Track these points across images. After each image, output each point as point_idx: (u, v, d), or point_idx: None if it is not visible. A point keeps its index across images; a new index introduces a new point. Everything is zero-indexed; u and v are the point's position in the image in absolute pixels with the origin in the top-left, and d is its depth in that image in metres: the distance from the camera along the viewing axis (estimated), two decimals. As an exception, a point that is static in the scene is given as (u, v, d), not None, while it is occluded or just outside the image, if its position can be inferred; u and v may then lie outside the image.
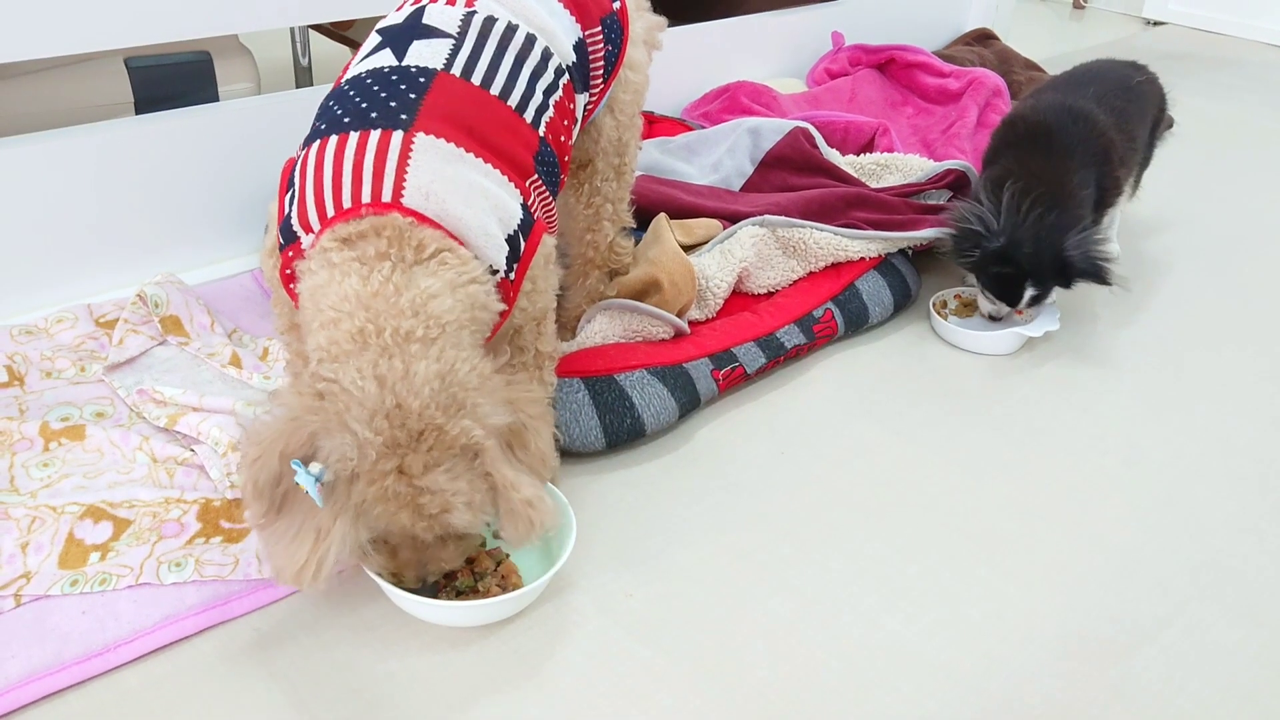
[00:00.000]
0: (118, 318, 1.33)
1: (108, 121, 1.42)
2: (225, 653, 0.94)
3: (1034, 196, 1.39)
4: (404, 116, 0.95)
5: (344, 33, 2.33)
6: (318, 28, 2.35)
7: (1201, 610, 1.05)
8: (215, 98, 1.68)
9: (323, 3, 1.53)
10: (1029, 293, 1.43)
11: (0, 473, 1.09)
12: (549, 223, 1.07)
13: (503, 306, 0.96)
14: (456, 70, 1.00)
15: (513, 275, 0.99)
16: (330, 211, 0.92)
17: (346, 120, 0.95)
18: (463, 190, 0.94)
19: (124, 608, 0.95)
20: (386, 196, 0.91)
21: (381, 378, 0.83)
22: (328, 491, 0.83)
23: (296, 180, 0.96)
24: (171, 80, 1.64)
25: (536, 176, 1.04)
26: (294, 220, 0.95)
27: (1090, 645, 1.00)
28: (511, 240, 0.98)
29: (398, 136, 0.93)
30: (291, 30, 2.17)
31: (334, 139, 0.94)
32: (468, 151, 0.96)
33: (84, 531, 1.02)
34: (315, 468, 0.82)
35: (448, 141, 0.95)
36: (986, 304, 1.49)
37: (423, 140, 0.94)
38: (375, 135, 0.93)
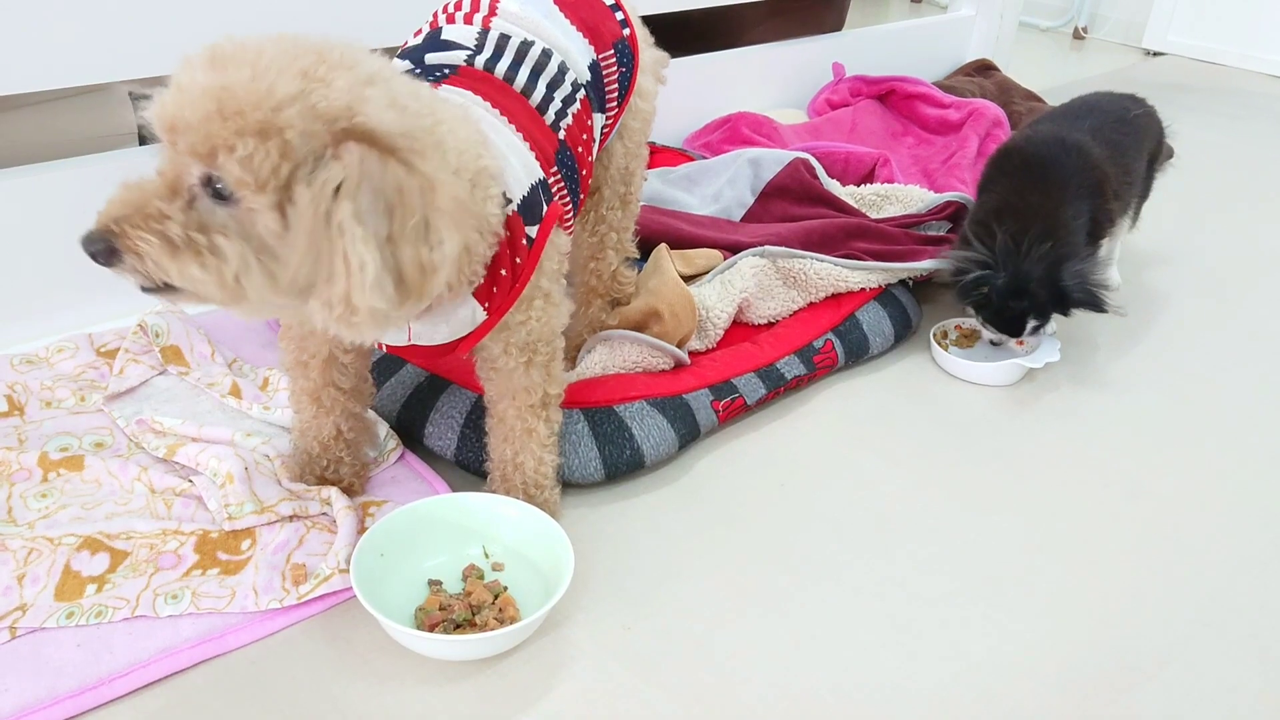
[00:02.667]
0: (118, 347, 1.33)
1: (112, 152, 1.43)
2: (220, 686, 0.93)
3: (1029, 230, 1.39)
4: (429, 81, 0.98)
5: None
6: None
7: (1204, 646, 1.05)
8: (219, 128, 1.69)
9: (327, 36, 1.54)
10: (1031, 324, 1.43)
11: (-2, 503, 1.09)
12: (565, 222, 1.07)
13: (499, 225, 0.91)
14: (477, 67, 1.03)
15: (533, 234, 0.97)
16: None
17: None
18: (487, 122, 0.95)
19: (119, 640, 0.95)
20: None
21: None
22: None
23: None
24: (175, 111, 1.65)
25: (557, 169, 1.04)
26: None
27: (1092, 681, 1.00)
28: (533, 191, 0.97)
29: (425, 84, 0.96)
30: (296, 61, 2.19)
31: None
32: (494, 106, 0.98)
33: (81, 563, 1.02)
34: None
35: (474, 94, 0.97)
36: (989, 333, 1.50)
37: (448, 88, 0.97)
38: None
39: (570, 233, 1.10)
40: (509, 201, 0.94)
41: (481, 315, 0.97)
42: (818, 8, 2.42)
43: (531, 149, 1.00)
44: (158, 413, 1.23)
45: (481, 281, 0.94)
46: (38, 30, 1.27)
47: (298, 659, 0.96)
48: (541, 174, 1.00)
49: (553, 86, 1.08)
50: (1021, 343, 1.54)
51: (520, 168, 0.97)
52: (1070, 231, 1.42)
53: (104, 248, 0.79)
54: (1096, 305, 1.40)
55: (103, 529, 1.06)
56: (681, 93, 2.04)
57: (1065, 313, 1.44)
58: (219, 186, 0.77)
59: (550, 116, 1.06)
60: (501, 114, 0.98)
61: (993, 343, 1.52)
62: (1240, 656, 1.03)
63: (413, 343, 0.99)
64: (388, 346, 1.01)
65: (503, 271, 0.95)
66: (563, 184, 1.05)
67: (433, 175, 0.79)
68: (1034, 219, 1.41)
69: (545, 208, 0.99)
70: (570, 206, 1.08)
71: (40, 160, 1.37)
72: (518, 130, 0.99)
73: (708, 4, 2.11)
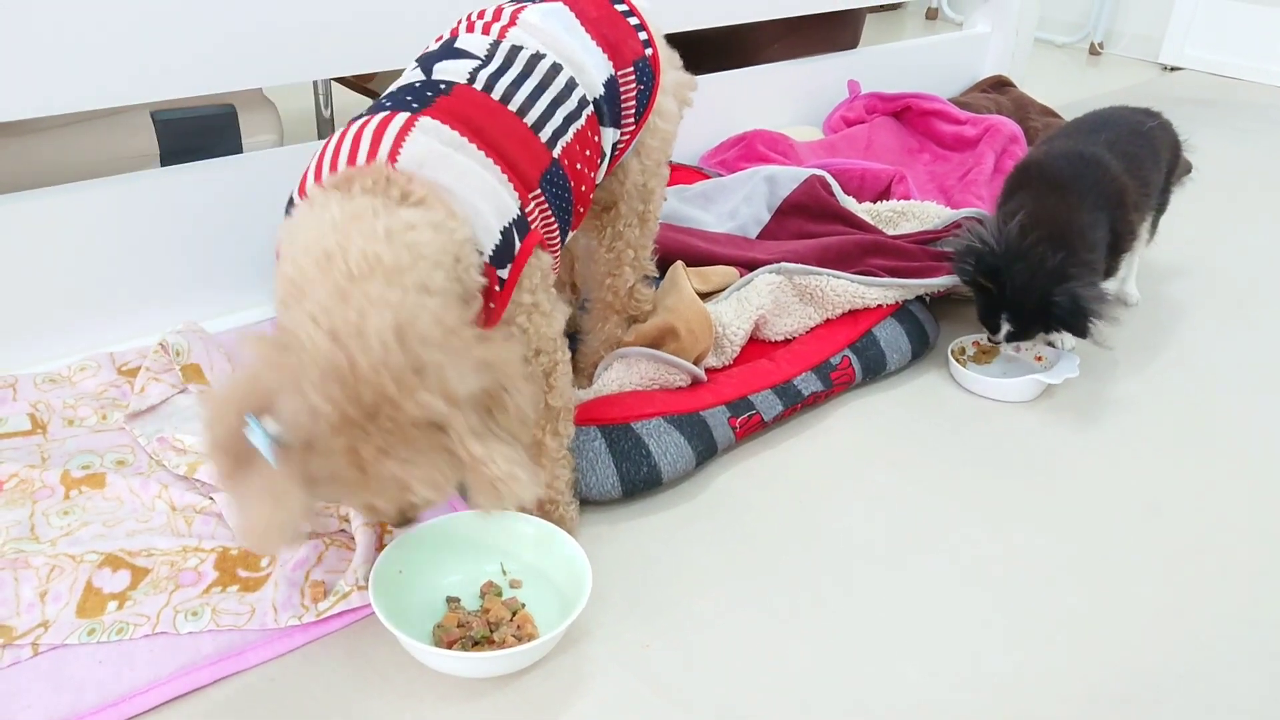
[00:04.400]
0: (140, 366, 1.34)
1: (134, 173, 1.45)
2: (239, 703, 0.93)
3: (1043, 234, 1.39)
4: (415, 106, 0.99)
5: (366, 85, 2.37)
6: (340, 80, 2.39)
7: (1228, 663, 1.04)
8: (239, 149, 1.71)
9: (345, 57, 1.56)
10: (1005, 327, 1.43)
11: (21, 521, 1.09)
12: (549, 243, 1.08)
13: (483, 281, 0.95)
14: (478, 85, 1.04)
15: (504, 274, 0.98)
16: (325, 176, 0.95)
17: (363, 114, 1.00)
18: (457, 169, 0.96)
19: (140, 657, 0.95)
20: (380, 159, 0.93)
21: (334, 331, 0.79)
22: (283, 452, 0.80)
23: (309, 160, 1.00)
24: (196, 133, 1.67)
25: (540, 192, 1.05)
26: (293, 191, 0.98)
27: (1115, 700, 0.99)
28: (505, 234, 0.98)
29: (402, 116, 0.97)
30: (315, 83, 2.21)
31: (345, 128, 0.99)
32: (470, 141, 0.99)
33: (102, 580, 1.02)
34: (270, 425, 0.80)
35: (451, 129, 0.98)
36: (987, 337, 1.50)
37: (426, 121, 0.97)
38: (381, 116, 0.97)
39: (556, 252, 1.11)
40: (482, 254, 0.96)
41: None
42: (833, 25, 2.43)
43: (510, 180, 1.00)
44: (179, 430, 1.23)
45: None
46: (61, 55, 1.28)
47: (317, 676, 0.97)
48: (516, 210, 1.00)
49: (556, 103, 1.08)
50: (1040, 358, 1.53)
51: (491, 214, 0.97)
52: (1086, 244, 1.42)
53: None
54: (1078, 327, 1.38)
55: (124, 546, 1.06)
56: (697, 110, 2.03)
57: (1047, 329, 1.44)
58: None
59: (547, 134, 1.07)
60: (479, 147, 0.99)
61: (991, 340, 1.51)
62: (1269, 672, 1.02)
63: None
64: None
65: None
66: (546, 204, 1.06)
67: (496, 357, 0.86)
68: (1051, 227, 1.40)
69: (518, 245, 1.00)
70: (555, 225, 1.09)
71: (63, 182, 1.39)
72: (496, 163, 1.00)
73: (723, 22, 2.12)
